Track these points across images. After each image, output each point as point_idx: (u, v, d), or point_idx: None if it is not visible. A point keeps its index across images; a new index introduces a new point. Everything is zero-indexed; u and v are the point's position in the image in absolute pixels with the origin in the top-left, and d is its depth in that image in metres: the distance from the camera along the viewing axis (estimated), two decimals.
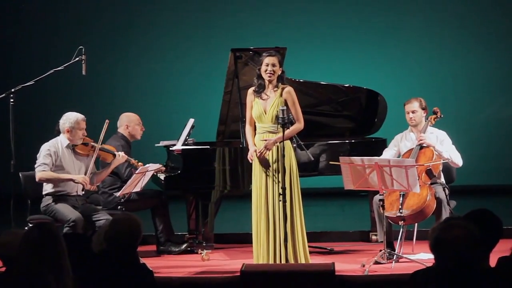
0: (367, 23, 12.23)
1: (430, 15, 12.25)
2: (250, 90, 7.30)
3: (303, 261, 7.08)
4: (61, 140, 7.66)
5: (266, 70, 7.13)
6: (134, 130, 8.32)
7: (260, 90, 7.21)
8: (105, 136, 7.77)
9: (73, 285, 3.94)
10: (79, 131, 7.63)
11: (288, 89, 7.19)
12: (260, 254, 7.08)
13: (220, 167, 7.93)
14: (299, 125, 7.16)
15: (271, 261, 7.00)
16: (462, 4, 12.28)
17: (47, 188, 7.62)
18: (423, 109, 7.85)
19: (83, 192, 7.67)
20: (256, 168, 7.17)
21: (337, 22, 12.25)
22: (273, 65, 7.13)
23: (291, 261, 7.01)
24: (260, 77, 7.21)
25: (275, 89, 7.19)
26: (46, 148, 7.61)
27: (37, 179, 7.55)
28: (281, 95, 7.15)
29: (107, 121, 7.62)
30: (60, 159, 7.58)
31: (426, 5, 12.28)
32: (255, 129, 7.28)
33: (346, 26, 12.24)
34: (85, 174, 7.59)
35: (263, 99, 7.18)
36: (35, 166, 7.59)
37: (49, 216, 7.52)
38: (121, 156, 7.75)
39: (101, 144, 7.68)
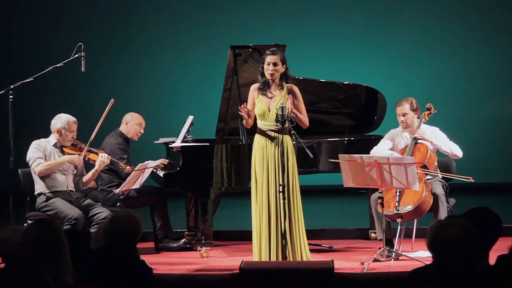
0: (367, 20, 12.23)
1: (429, 13, 12.24)
2: (254, 86, 7.26)
3: (304, 259, 7.06)
4: (49, 140, 7.68)
5: (267, 70, 7.12)
6: (132, 128, 8.30)
7: (264, 87, 7.17)
8: (104, 133, 7.77)
9: (73, 281, 3.93)
10: (69, 134, 7.64)
11: (293, 87, 7.18)
12: (261, 251, 7.03)
13: (219, 164, 7.90)
14: (306, 120, 7.19)
15: (273, 259, 6.97)
16: (462, 2, 12.27)
17: (39, 187, 7.61)
18: (414, 110, 7.83)
19: (72, 189, 7.66)
20: (257, 164, 7.14)
21: (337, 19, 12.24)
22: (274, 64, 7.09)
23: (291, 258, 7.00)
24: (263, 74, 7.18)
25: (280, 87, 7.17)
26: (33, 145, 7.62)
27: (37, 174, 7.54)
28: (287, 93, 7.12)
29: (112, 100, 7.61)
30: (46, 155, 7.58)
31: (426, 3, 12.26)
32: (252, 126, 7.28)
33: (346, 24, 12.23)
34: (76, 173, 7.68)
35: (268, 97, 7.15)
36: (30, 163, 7.58)
37: (48, 214, 7.49)
38: (105, 157, 7.70)
39: (90, 147, 7.70)
